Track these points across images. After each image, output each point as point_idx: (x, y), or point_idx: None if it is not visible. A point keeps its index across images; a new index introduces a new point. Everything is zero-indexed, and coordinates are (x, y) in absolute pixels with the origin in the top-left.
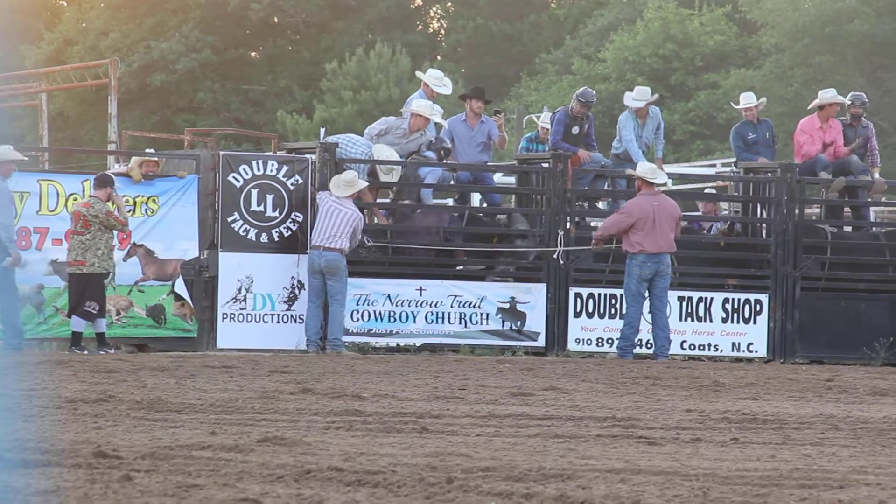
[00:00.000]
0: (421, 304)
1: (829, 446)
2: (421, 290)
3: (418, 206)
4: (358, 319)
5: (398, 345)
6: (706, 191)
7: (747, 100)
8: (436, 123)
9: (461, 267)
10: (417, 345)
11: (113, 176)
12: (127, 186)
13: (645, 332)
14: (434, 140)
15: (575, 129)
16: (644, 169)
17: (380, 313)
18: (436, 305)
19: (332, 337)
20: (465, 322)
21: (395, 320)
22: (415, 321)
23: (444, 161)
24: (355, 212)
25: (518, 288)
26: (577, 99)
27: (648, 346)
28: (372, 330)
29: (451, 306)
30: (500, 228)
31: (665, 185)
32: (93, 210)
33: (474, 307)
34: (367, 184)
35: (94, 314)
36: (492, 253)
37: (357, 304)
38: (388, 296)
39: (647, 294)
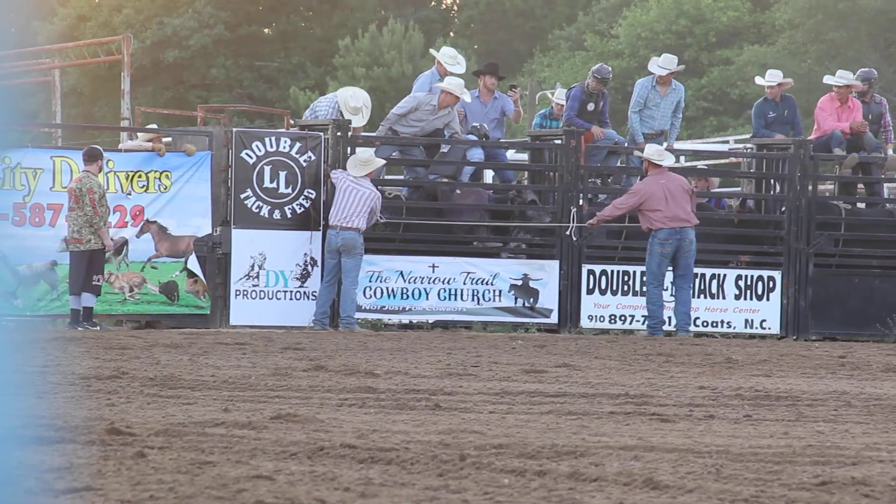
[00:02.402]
0: (434, 281)
1: (843, 423)
2: (434, 266)
3: (456, 185)
4: (371, 296)
5: (411, 322)
6: (698, 167)
7: (771, 77)
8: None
9: (477, 243)
10: (430, 322)
11: (102, 150)
12: (149, 161)
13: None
14: (479, 126)
15: (590, 106)
16: (651, 151)
17: (392, 290)
18: (448, 282)
19: (345, 314)
20: (478, 299)
21: (407, 297)
22: (427, 298)
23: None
24: (373, 191)
25: (531, 265)
26: (593, 75)
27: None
28: (385, 307)
29: (464, 283)
30: (514, 205)
31: (672, 164)
32: (82, 184)
33: (487, 284)
34: (383, 162)
35: (100, 287)
36: (505, 229)
37: (370, 281)
38: (401, 273)
39: (667, 272)
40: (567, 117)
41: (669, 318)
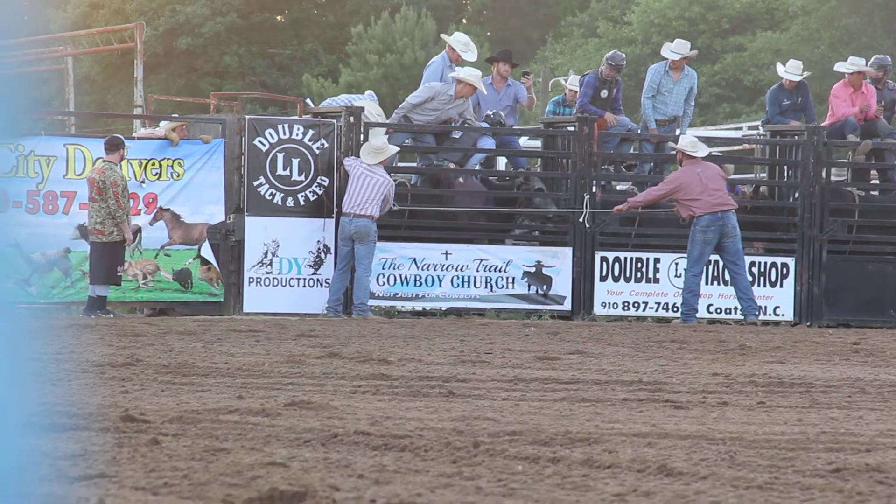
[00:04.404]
0: (447, 269)
1: (856, 410)
2: (447, 254)
3: (459, 172)
4: (384, 283)
5: (424, 309)
6: (712, 153)
7: (793, 69)
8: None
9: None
10: (443, 309)
11: (123, 138)
12: (163, 149)
13: (671, 295)
14: (492, 113)
15: (604, 93)
16: (685, 142)
17: (406, 277)
18: (461, 269)
19: (358, 301)
20: (491, 286)
21: (420, 284)
22: (440, 285)
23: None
24: (386, 178)
25: (544, 252)
26: (607, 62)
27: (675, 309)
28: (398, 294)
29: (477, 270)
30: (518, 191)
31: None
32: (105, 176)
33: (500, 271)
34: (397, 149)
35: (121, 277)
36: (510, 217)
37: (383, 269)
38: (414, 260)
39: (709, 259)
40: (580, 104)
41: (668, 304)
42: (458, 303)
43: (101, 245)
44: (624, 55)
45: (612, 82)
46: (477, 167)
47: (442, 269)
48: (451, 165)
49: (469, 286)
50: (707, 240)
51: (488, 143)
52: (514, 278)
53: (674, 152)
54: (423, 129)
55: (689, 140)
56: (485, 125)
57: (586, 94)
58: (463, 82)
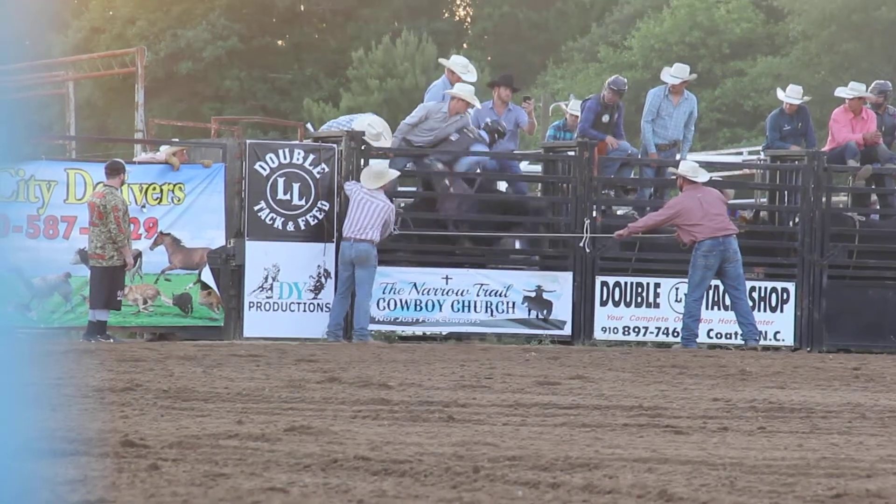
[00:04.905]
0: (447, 293)
1: (857, 435)
2: (447, 278)
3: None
4: (384, 308)
5: (424, 333)
6: (712, 178)
7: (793, 94)
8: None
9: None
10: (444, 333)
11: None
12: (163, 174)
13: (672, 320)
14: (490, 121)
15: (605, 118)
16: (685, 167)
17: (406, 302)
18: (462, 294)
19: (358, 326)
20: (492, 311)
21: (421, 309)
22: (441, 310)
23: (497, 142)
24: (387, 203)
25: (544, 276)
26: (609, 87)
27: (675, 334)
28: (398, 318)
29: (478, 295)
30: (524, 216)
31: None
32: (106, 200)
33: (500, 296)
34: (397, 173)
35: (121, 302)
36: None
37: (383, 293)
38: (415, 284)
39: (710, 284)
40: (581, 128)
41: (668, 328)
42: (459, 327)
43: (100, 270)
44: (626, 80)
45: (614, 107)
46: (465, 170)
47: (442, 294)
48: (440, 166)
49: (469, 311)
50: (708, 265)
51: (482, 149)
52: (514, 303)
53: (674, 177)
54: (424, 151)
55: (690, 165)
56: (483, 134)
57: (587, 119)
58: (456, 98)
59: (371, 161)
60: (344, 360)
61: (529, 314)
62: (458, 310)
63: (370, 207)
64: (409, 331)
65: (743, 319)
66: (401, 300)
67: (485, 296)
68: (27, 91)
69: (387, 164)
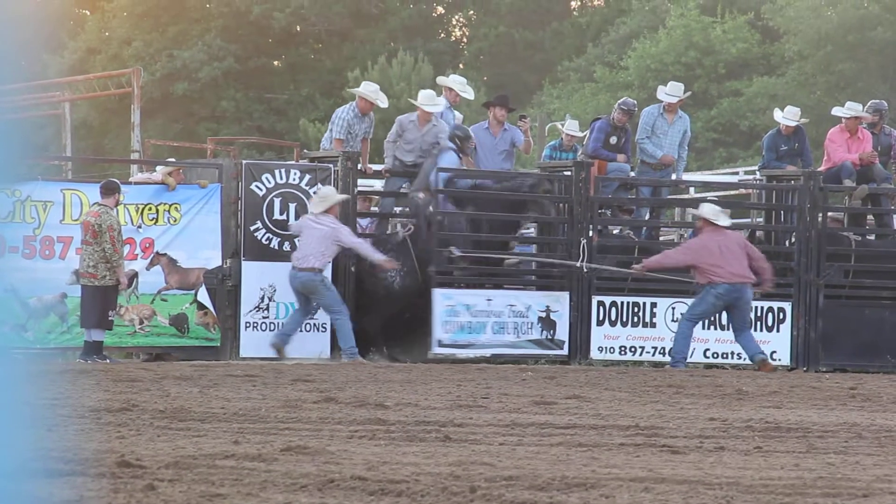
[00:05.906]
0: (489, 315)
1: (854, 455)
2: (489, 300)
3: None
4: (449, 331)
5: (475, 357)
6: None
7: (790, 115)
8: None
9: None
10: (487, 356)
11: (118, 182)
12: (159, 194)
13: (668, 339)
14: (454, 129)
15: (613, 139)
16: (707, 210)
17: (462, 324)
18: (499, 315)
19: (346, 346)
20: (518, 332)
21: (472, 331)
22: (485, 331)
23: (466, 151)
24: (333, 227)
25: (550, 296)
26: (619, 107)
27: (665, 353)
28: (457, 342)
29: (509, 316)
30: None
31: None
32: (101, 220)
33: (523, 316)
34: (344, 197)
35: (112, 322)
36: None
37: (448, 316)
38: (467, 306)
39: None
40: (593, 148)
41: (656, 348)
42: (497, 350)
43: (92, 289)
44: (635, 101)
45: (622, 130)
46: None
47: (486, 315)
48: (421, 195)
49: (503, 332)
50: (718, 305)
51: (450, 158)
52: (532, 323)
53: (691, 218)
54: (409, 171)
55: (711, 209)
56: (450, 145)
57: (598, 139)
58: (419, 108)
59: (320, 186)
60: (340, 379)
61: (542, 334)
62: (497, 331)
63: (313, 235)
64: (464, 354)
65: (748, 345)
66: (459, 322)
67: (513, 317)
68: (23, 112)
69: (333, 189)
